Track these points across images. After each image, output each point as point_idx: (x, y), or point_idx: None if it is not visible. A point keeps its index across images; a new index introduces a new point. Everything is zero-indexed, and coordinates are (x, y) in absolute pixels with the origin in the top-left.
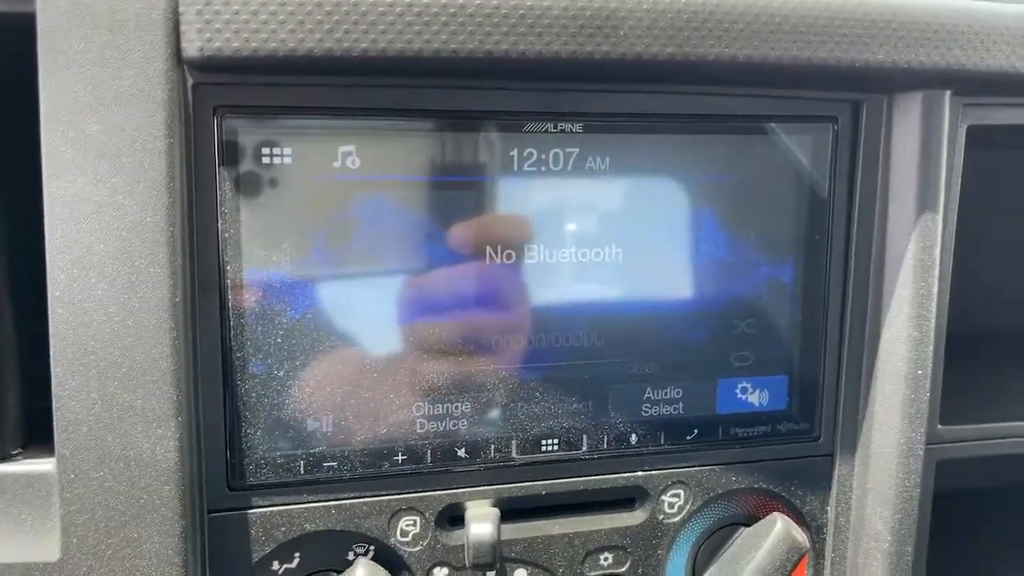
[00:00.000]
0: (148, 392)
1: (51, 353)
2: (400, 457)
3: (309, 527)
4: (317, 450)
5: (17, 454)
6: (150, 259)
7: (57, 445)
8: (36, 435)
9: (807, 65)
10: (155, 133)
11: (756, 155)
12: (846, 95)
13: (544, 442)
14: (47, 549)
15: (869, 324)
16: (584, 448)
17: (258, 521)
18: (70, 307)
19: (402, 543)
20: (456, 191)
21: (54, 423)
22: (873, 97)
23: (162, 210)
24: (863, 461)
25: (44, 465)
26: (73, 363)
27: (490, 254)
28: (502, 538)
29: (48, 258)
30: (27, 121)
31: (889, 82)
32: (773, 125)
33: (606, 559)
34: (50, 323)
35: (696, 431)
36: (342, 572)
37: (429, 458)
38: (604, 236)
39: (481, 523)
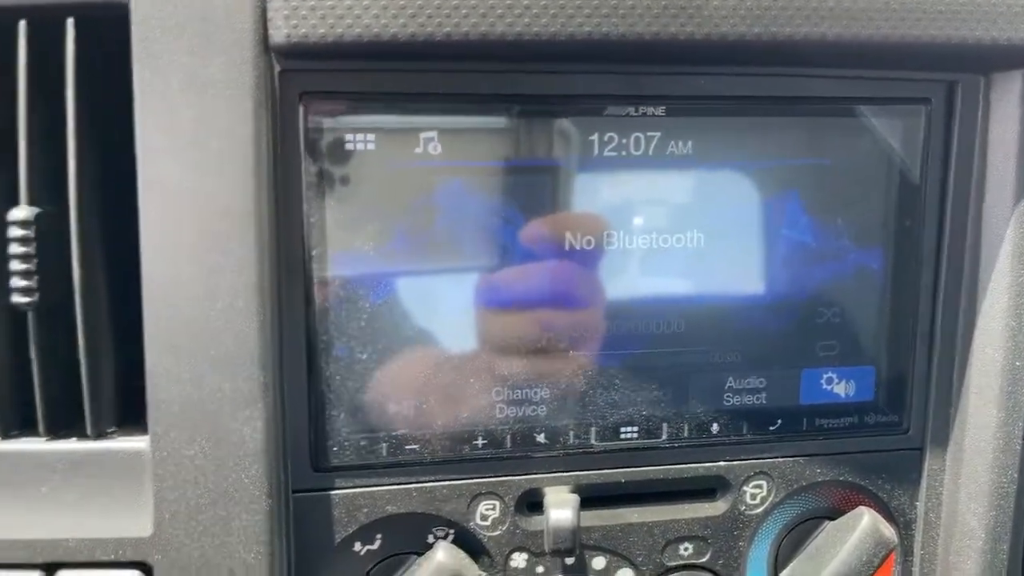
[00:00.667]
0: (236, 374)
1: (145, 335)
2: (480, 441)
3: (391, 509)
4: (399, 433)
5: (112, 432)
6: (238, 243)
7: (150, 423)
8: (130, 414)
9: (899, 44)
10: (243, 119)
11: (845, 138)
12: (940, 75)
13: (623, 430)
14: (140, 524)
15: (963, 314)
16: (664, 437)
17: (341, 502)
18: (162, 290)
19: (481, 527)
20: (535, 176)
21: (147, 403)
22: (969, 77)
23: (249, 195)
24: (955, 455)
25: (138, 443)
26: (165, 345)
27: (569, 241)
28: (581, 525)
29: (142, 243)
30: (122, 110)
31: (986, 60)
32: (862, 107)
33: (686, 549)
34: (144, 306)
35: (779, 422)
36: (422, 555)
37: (509, 443)
38: (685, 222)
39: (561, 508)
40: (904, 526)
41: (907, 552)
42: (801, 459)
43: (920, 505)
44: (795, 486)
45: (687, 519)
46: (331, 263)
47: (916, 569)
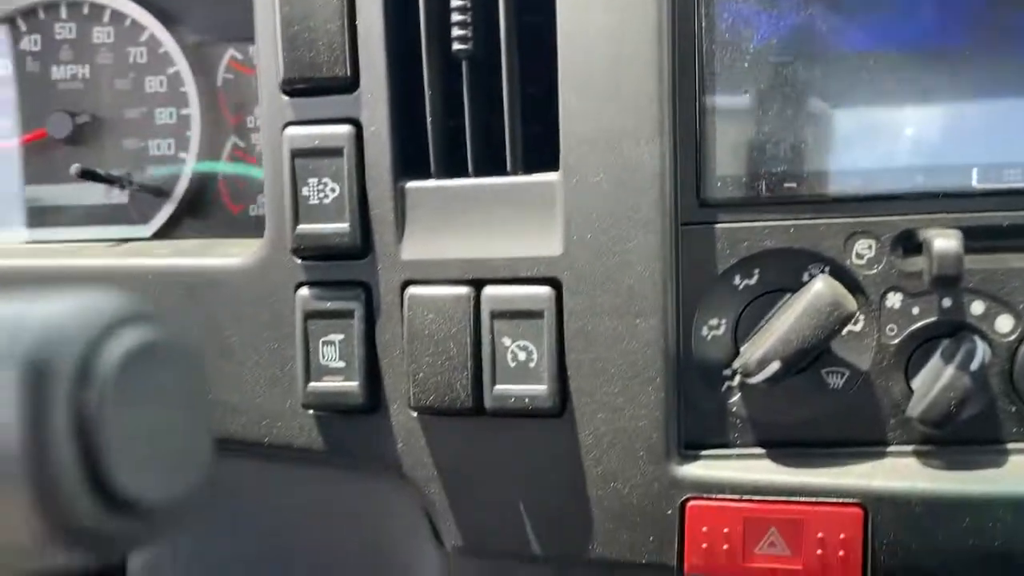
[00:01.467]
0: (638, 112)
1: (559, 80)
2: (856, 181)
3: (769, 244)
4: (778, 170)
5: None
6: None
7: (563, 156)
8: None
9: None
10: None
11: None
12: None
13: (1008, 171)
14: (552, 246)
15: None
16: None
17: (723, 235)
18: (575, 39)
19: (857, 265)
20: None
21: (560, 138)
22: None
23: None
24: None
25: (550, 176)
26: (578, 87)
27: None
28: None
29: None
30: None
31: None
32: None
33: None
34: (559, 53)
35: None
36: (796, 292)
37: (886, 183)
38: None
39: (945, 238)
40: None
41: None
42: None
43: None
44: None
45: None
46: (716, 4)
47: None
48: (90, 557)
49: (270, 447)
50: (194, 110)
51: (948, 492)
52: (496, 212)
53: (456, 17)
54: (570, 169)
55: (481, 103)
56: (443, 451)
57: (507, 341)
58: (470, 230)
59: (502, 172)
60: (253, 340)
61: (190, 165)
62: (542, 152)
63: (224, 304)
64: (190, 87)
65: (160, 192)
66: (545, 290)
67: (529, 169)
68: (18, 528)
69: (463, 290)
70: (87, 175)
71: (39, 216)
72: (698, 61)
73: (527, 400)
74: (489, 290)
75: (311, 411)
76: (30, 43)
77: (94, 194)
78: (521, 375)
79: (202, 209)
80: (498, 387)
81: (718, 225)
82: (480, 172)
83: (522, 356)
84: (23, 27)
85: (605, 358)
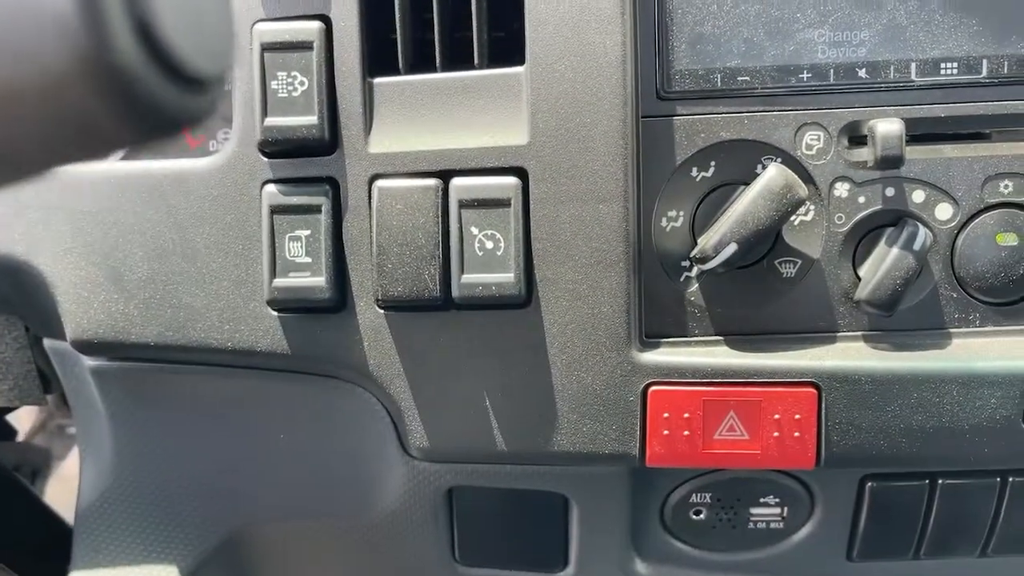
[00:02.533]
0: (600, 2)
1: None
2: (805, 75)
3: (724, 135)
4: (731, 65)
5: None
6: None
7: (529, 42)
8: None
9: None
10: None
11: None
12: None
13: (944, 65)
14: (518, 136)
15: None
16: (984, 73)
17: (681, 127)
18: None
19: (807, 156)
20: None
21: (526, 29)
22: None
23: None
24: None
25: (516, 70)
26: None
27: None
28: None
29: None
30: None
31: None
32: None
33: (1006, 187)
34: None
35: None
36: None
37: (832, 76)
38: None
39: (888, 122)
40: None
41: None
42: None
43: None
44: None
45: (1008, 156)
46: None
47: None
48: (140, 126)
49: (234, 352)
50: None
51: (897, 369)
52: (464, 105)
53: None
54: (536, 59)
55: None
56: (410, 349)
57: (475, 230)
58: (438, 124)
59: (469, 68)
60: (218, 240)
61: None
62: (506, 59)
63: (190, 204)
64: None
65: None
66: (512, 180)
67: (495, 65)
68: (77, 95)
69: (431, 182)
70: None
71: None
72: None
73: (494, 288)
74: (457, 181)
75: (276, 312)
76: None
77: None
78: (488, 264)
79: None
80: (466, 276)
81: (676, 118)
82: (447, 68)
83: (489, 245)
84: None
85: (570, 244)
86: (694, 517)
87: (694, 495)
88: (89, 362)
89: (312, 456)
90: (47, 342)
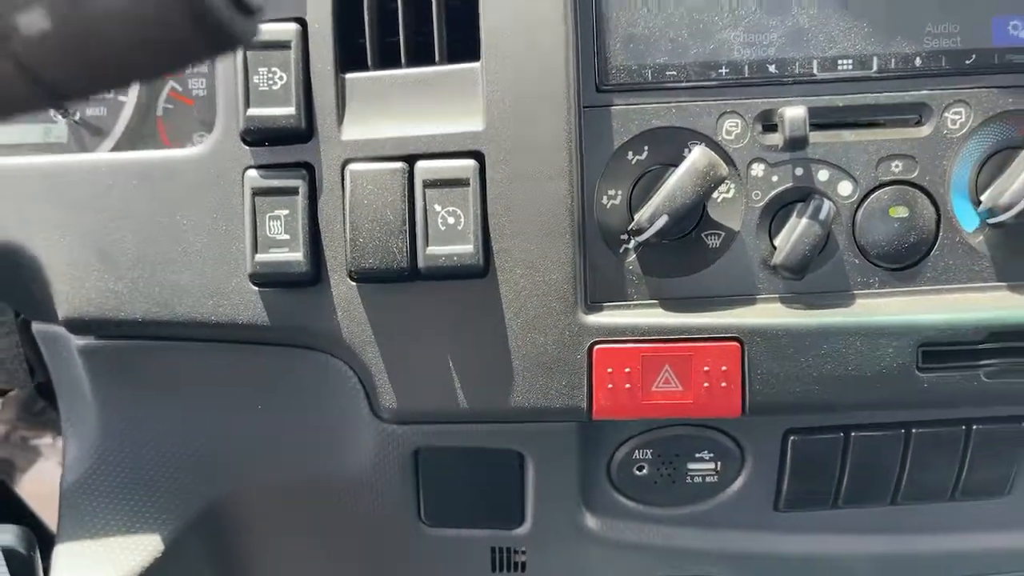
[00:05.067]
0: (545, 5)
1: None
2: (724, 70)
3: (655, 122)
4: (660, 61)
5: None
6: None
7: (483, 45)
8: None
9: None
10: None
11: None
12: None
13: (840, 61)
14: (475, 123)
15: None
16: (875, 69)
17: (618, 115)
18: None
19: (727, 140)
20: None
21: (481, 30)
22: None
23: None
24: None
25: (473, 65)
26: None
27: None
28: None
29: None
30: None
31: None
32: None
33: (897, 166)
34: None
35: (974, 56)
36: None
37: (746, 71)
38: None
39: (794, 108)
40: None
41: None
42: (995, 90)
43: None
44: (991, 113)
45: (898, 139)
46: None
47: None
48: (213, 43)
49: (217, 326)
50: None
51: (809, 324)
52: (426, 97)
53: None
54: (490, 56)
55: (412, 4)
56: (379, 317)
57: (438, 207)
58: (404, 114)
59: (431, 64)
60: (203, 222)
61: (130, 105)
62: (464, 54)
63: (177, 189)
64: None
65: (99, 131)
66: (470, 162)
67: (454, 62)
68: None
69: (398, 165)
70: None
71: None
72: None
73: (456, 259)
74: (421, 164)
75: (257, 287)
76: None
77: (32, 133)
78: (450, 237)
79: (139, 146)
80: (430, 248)
81: (613, 108)
82: (412, 64)
83: (451, 220)
84: None
85: (522, 219)
86: (637, 473)
87: (637, 451)
88: (78, 342)
89: (288, 425)
90: (36, 326)
